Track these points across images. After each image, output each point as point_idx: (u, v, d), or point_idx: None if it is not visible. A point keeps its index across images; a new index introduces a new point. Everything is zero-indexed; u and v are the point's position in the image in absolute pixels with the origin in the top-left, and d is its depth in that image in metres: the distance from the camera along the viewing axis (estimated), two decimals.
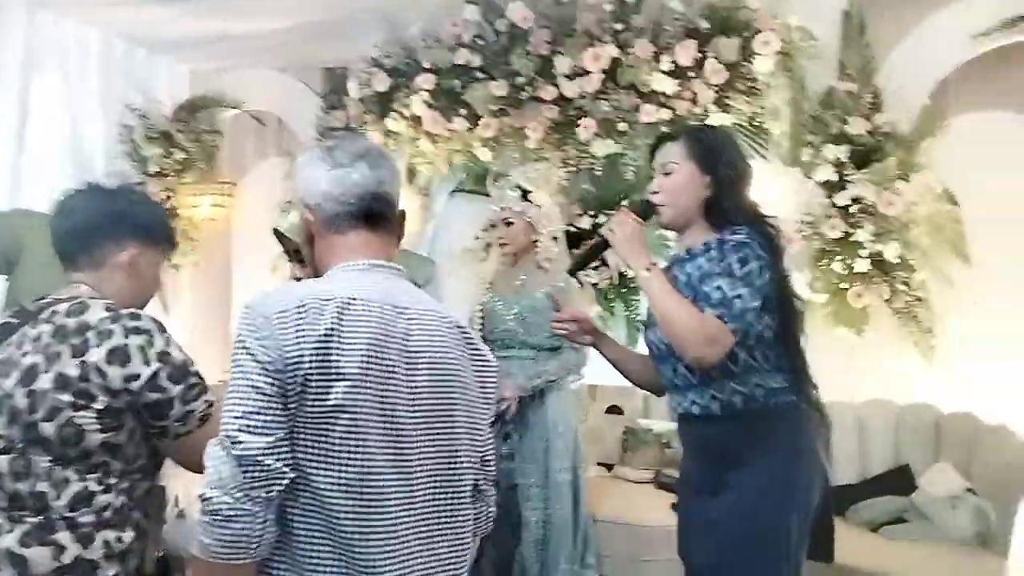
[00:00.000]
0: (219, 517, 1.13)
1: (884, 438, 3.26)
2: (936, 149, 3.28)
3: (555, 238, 2.96)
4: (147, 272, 1.61)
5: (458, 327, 1.36)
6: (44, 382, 1.35)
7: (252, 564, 1.17)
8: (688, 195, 1.80)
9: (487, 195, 3.93)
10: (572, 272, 2.13)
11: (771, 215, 1.82)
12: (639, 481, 3.43)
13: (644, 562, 3.01)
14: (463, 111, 3.79)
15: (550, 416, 2.80)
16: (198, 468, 1.45)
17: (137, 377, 1.37)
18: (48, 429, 1.35)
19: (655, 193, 1.82)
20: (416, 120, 3.90)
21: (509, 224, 2.87)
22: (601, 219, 3.87)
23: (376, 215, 1.33)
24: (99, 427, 1.37)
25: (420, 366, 1.27)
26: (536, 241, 2.89)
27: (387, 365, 1.22)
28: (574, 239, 3.73)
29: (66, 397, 1.35)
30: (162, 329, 1.45)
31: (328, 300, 1.21)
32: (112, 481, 1.41)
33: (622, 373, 2.04)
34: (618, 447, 3.63)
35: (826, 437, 1.82)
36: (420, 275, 2.86)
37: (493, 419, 2.69)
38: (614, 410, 3.77)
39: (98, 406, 1.36)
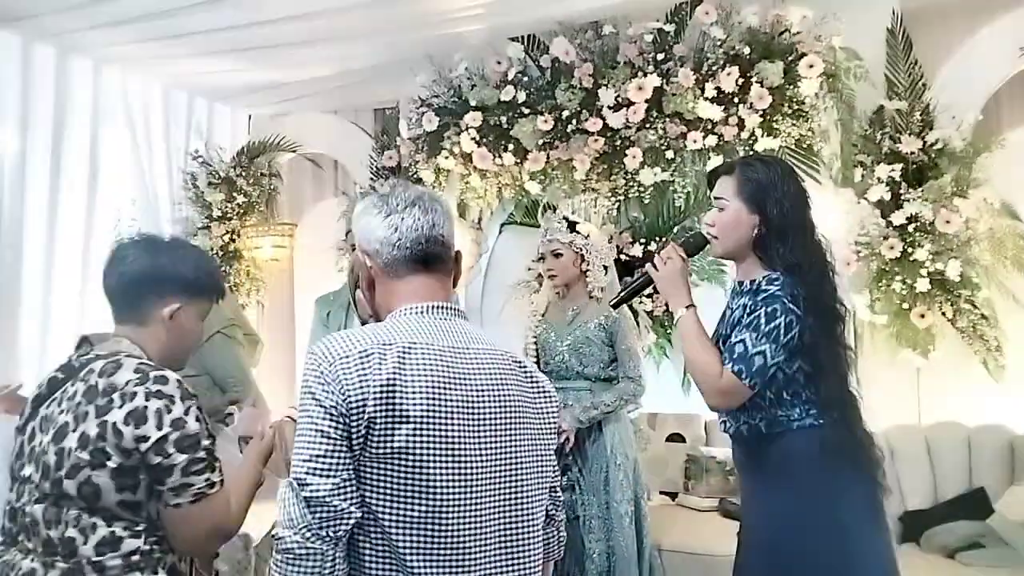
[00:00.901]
0: (291, 556, 1.18)
1: (956, 461, 3.17)
2: (992, 164, 3.23)
3: (605, 268, 2.98)
4: (189, 325, 1.64)
5: (516, 361, 1.40)
6: (71, 440, 1.42)
7: None
8: (737, 233, 1.82)
9: (537, 226, 3.99)
10: (614, 306, 2.17)
11: (825, 254, 1.81)
12: (704, 509, 3.39)
13: None
14: (511, 146, 3.87)
15: (608, 447, 2.81)
16: (182, 545, 1.49)
17: (147, 439, 1.40)
18: (70, 486, 1.41)
19: (710, 226, 1.86)
20: (466, 157, 3.99)
21: (558, 255, 2.90)
22: (652, 247, 3.87)
23: (432, 257, 1.37)
24: (114, 486, 1.40)
25: (484, 404, 1.30)
26: (586, 272, 2.92)
27: (450, 406, 1.25)
28: (625, 268, 3.75)
29: (84, 456, 1.40)
30: (187, 396, 1.47)
31: (389, 346, 1.25)
32: (140, 528, 1.44)
33: None
34: (681, 475, 3.60)
35: (878, 465, 1.80)
36: None
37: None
38: (675, 438, 3.74)
39: (112, 465, 1.40)
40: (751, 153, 3.33)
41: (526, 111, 3.81)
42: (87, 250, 4.13)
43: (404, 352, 1.25)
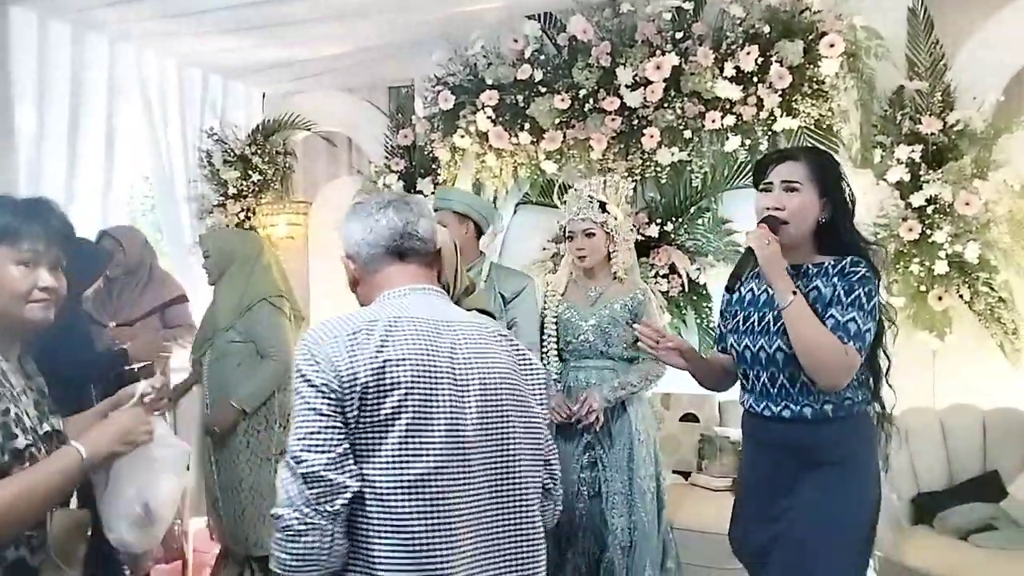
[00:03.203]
0: (291, 532, 1.23)
1: (970, 444, 3.18)
2: (1013, 145, 3.21)
3: (629, 249, 2.98)
4: None
5: (502, 335, 1.49)
6: None
7: None
8: (810, 217, 1.87)
9: (552, 206, 3.98)
10: (729, 285, 2.03)
11: (875, 243, 1.92)
12: (716, 489, 3.42)
13: (723, 570, 3.00)
14: (527, 125, 3.85)
15: (633, 424, 2.83)
16: None
17: None
18: None
19: (779, 210, 1.86)
20: (482, 136, 3.98)
21: (590, 235, 2.88)
22: (669, 227, 3.86)
23: (407, 250, 1.47)
24: None
25: (471, 373, 1.37)
26: (613, 252, 2.91)
27: (437, 374, 1.33)
28: (641, 248, 3.74)
29: None
30: None
31: (375, 322, 1.34)
32: None
33: (695, 377, 2.11)
34: (694, 455, 3.63)
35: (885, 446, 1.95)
36: (510, 288, 2.90)
37: (581, 430, 2.74)
38: (689, 418, 3.76)
39: None
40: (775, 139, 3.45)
41: (543, 90, 3.79)
42: (104, 225, 4.14)
43: (390, 325, 1.33)
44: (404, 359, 1.30)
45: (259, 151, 4.81)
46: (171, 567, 3.76)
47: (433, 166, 4.31)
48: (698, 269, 3.84)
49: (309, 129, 4.96)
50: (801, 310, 1.78)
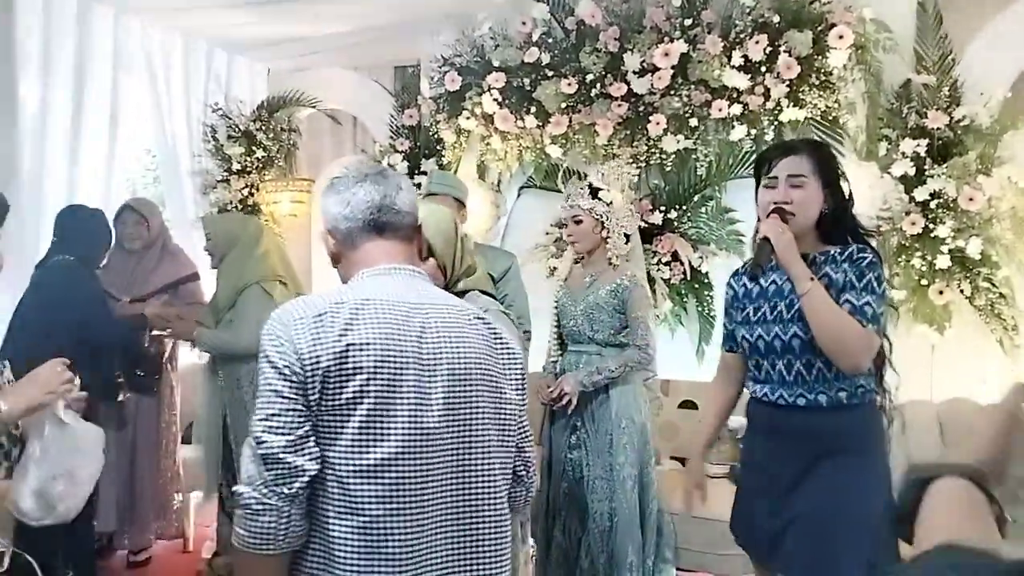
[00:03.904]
0: (249, 511, 1.25)
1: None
2: (1018, 142, 3.21)
3: (627, 235, 2.98)
4: None
5: (479, 319, 1.44)
6: None
7: (283, 555, 1.28)
8: (812, 210, 1.90)
9: (557, 190, 3.99)
10: (753, 273, 1.99)
11: (874, 232, 1.96)
12: (714, 476, 3.43)
13: (720, 555, 3.05)
14: (533, 109, 3.85)
15: (613, 411, 2.83)
16: None
17: None
18: None
19: (787, 203, 1.89)
20: (487, 118, 3.97)
21: (578, 221, 2.89)
22: (673, 215, 3.87)
23: (385, 224, 1.42)
24: None
25: (439, 357, 1.34)
26: (606, 239, 2.92)
27: (404, 358, 1.30)
28: (644, 235, 3.75)
29: None
30: None
31: (342, 304, 1.31)
32: None
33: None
34: (692, 442, 3.65)
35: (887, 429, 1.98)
36: (496, 267, 2.93)
37: (557, 410, 2.75)
38: (688, 405, 3.79)
39: None
40: (779, 132, 3.45)
41: (550, 73, 3.79)
42: (107, 198, 4.13)
43: (358, 308, 1.31)
44: (368, 343, 1.27)
45: (263, 127, 4.80)
46: (172, 543, 3.79)
47: (438, 147, 4.30)
48: (700, 257, 3.86)
49: (314, 106, 4.94)
50: (820, 295, 1.82)
